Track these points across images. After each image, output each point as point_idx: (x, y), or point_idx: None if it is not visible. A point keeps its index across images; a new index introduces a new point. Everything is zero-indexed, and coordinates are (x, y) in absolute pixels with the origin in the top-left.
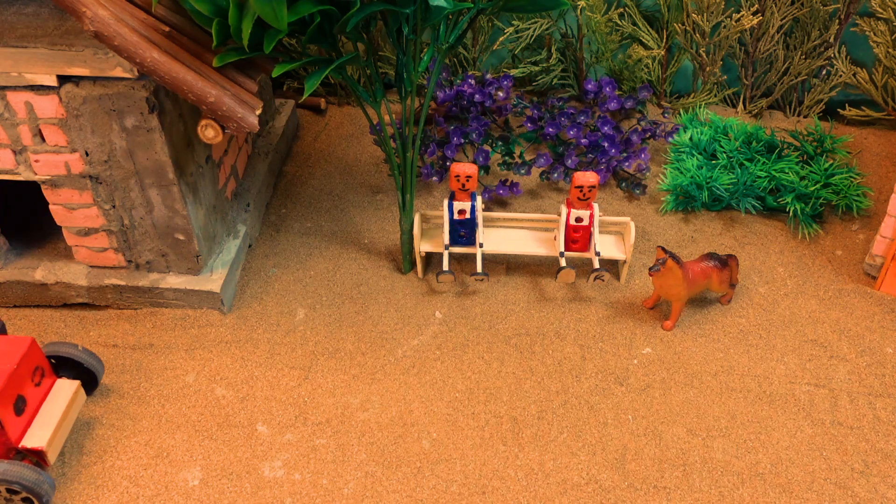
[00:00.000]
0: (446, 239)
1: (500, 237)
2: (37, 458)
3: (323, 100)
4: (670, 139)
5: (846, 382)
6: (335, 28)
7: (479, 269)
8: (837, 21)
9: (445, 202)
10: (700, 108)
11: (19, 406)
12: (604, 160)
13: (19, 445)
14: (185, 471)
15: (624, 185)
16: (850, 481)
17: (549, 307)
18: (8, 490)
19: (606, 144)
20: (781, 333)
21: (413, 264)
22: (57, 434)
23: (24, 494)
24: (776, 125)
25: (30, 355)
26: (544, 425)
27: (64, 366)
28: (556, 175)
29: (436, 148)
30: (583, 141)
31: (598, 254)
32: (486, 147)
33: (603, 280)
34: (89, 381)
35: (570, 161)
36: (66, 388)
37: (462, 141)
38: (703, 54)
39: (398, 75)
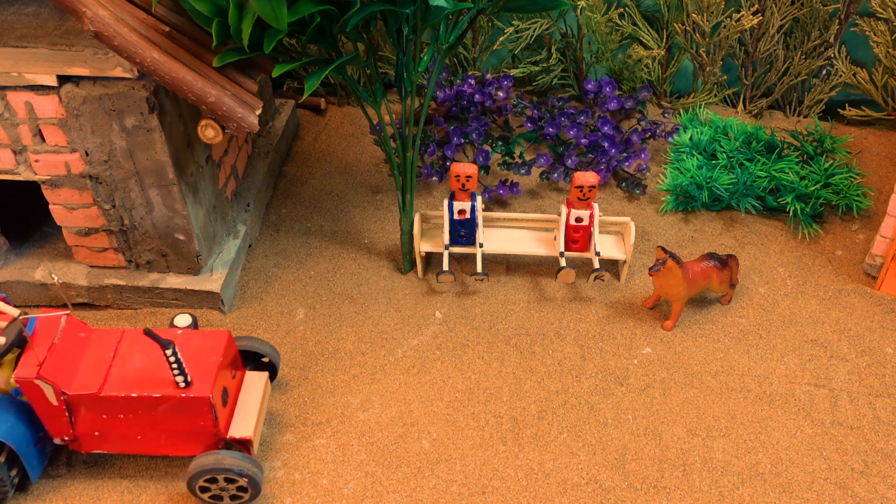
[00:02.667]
0: (446, 239)
1: (500, 237)
2: (241, 447)
3: (323, 100)
4: (670, 139)
5: (846, 382)
6: (335, 28)
7: (479, 269)
8: (837, 21)
9: (445, 202)
10: (700, 108)
11: (224, 398)
12: (604, 160)
13: (227, 436)
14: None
15: (624, 185)
16: (850, 481)
17: (549, 307)
18: (225, 479)
19: (606, 144)
20: (781, 333)
21: (413, 264)
22: (258, 424)
23: (240, 482)
24: (776, 125)
25: (229, 348)
26: (544, 425)
27: (246, 358)
28: (556, 175)
29: (436, 148)
30: (583, 141)
31: (598, 254)
32: (486, 147)
33: (603, 280)
34: (270, 372)
35: (570, 161)
36: (256, 380)
37: (462, 141)
38: (703, 54)
39: (398, 75)
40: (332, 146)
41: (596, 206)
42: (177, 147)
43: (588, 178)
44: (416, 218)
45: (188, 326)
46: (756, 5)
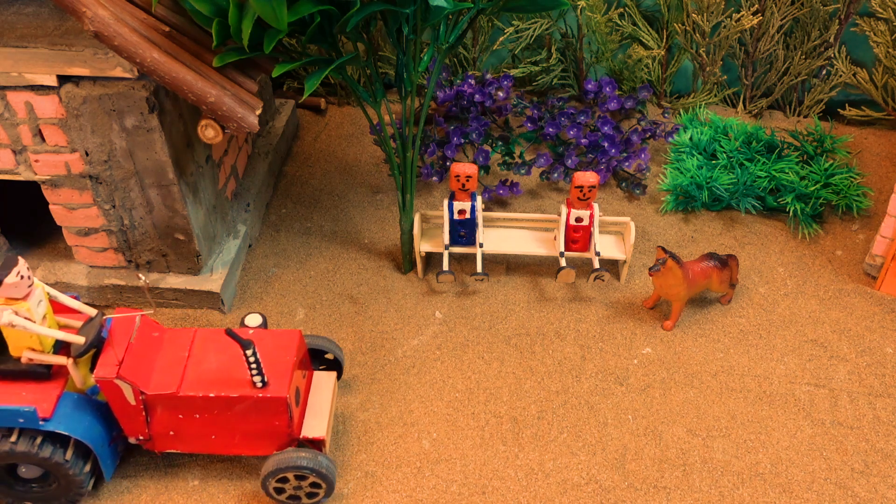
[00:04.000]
0: (446, 239)
1: (500, 237)
2: (313, 447)
3: (323, 100)
4: (670, 139)
5: (846, 382)
6: (335, 28)
7: (479, 269)
8: (837, 21)
9: (445, 202)
10: (700, 108)
11: (297, 398)
12: (604, 160)
13: (301, 436)
14: (187, 470)
15: (624, 185)
16: (850, 481)
17: (549, 307)
18: (296, 476)
19: (606, 144)
20: (781, 333)
21: (413, 264)
22: (329, 424)
23: (312, 479)
24: (776, 125)
25: (300, 348)
26: (544, 425)
27: (312, 357)
28: (556, 175)
29: (436, 148)
30: (583, 141)
31: (598, 254)
32: (486, 147)
33: (603, 280)
34: (337, 372)
35: (570, 161)
36: (325, 379)
37: (462, 141)
38: (703, 54)
39: (398, 75)
40: (332, 146)
41: (596, 206)
42: (177, 147)
43: (588, 178)
44: (416, 218)
45: (259, 326)
46: (756, 5)
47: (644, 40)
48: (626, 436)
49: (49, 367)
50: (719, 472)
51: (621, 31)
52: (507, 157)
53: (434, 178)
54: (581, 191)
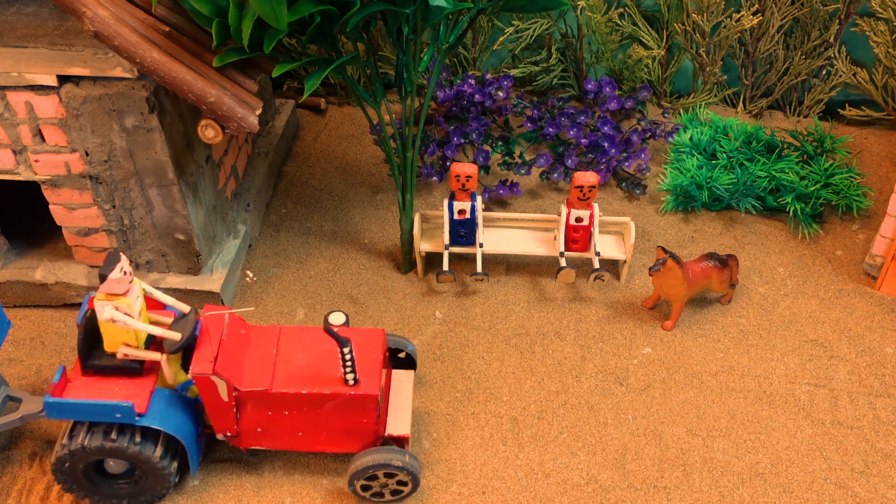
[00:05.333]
0: (446, 239)
1: (500, 237)
2: (396, 444)
3: (323, 100)
4: (670, 139)
5: (846, 382)
6: (335, 28)
7: (479, 269)
8: (837, 21)
9: (445, 202)
10: (700, 108)
11: (381, 395)
12: (604, 160)
13: (385, 433)
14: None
15: (624, 185)
16: (850, 481)
17: (549, 307)
18: (385, 475)
19: (606, 144)
20: (781, 333)
21: (413, 264)
22: (411, 421)
23: (399, 477)
24: (776, 125)
25: (384, 346)
26: (544, 425)
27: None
28: (556, 175)
29: (436, 148)
30: (583, 141)
31: (598, 254)
32: (486, 147)
33: (603, 280)
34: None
35: (570, 161)
36: (403, 378)
37: (462, 141)
38: (703, 54)
39: (398, 75)
40: (332, 146)
41: (596, 206)
42: (177, 147)
43: (588, 178)
44: (416, 218)
45: (342, 325)
46: (756, 5)
47: (644, 40)
48: (626, 436)
49: (142, 362)
50: (719, 472)
51: (621, 31)
52: (507, 157)
53: (434, 178)
54: (581, 191)
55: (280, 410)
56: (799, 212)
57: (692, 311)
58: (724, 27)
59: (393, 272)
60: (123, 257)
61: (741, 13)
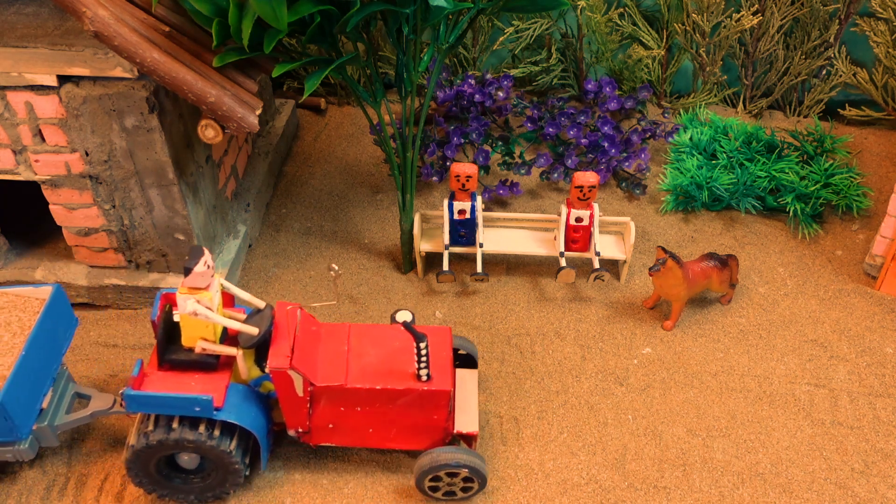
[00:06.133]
0: (446, 239)
1: (500, 237)
2: (464, 442)
3: (323, 100)
4: (670, 139)
5: (846, 382)
6: (335, 28)
7: (479, 269)
8: (837, 21)
9: (445, 202)
10: (700, 108)
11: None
12: (604, 160)
13: (455, 431)
14: None
15: (624, 185)
16: (850, 481)
17: (549, 307)
18: (448, 474)
19: (606, 144)
20: (781, 333)
21: (413, 264)
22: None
23: (464, 474)
24: (776, 125)
25: (451, 344)
26: (544, 425)
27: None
28: (556, 175)
29: (436, 148)
30: (583, 141)
31: (598, 254)
32: (486, 147)
33: (603, 280)
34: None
35: (570, 161)
36: (467, 376)
37: (462, 141)
38: (703, 54)
39: (398, 75)
40: (332, 146)
41: (596, 206)
42: (177, 147)
43: (588, 178)
44: (416, 218)
45: (405, 322)
46: (756, 5)
47: (644, 40)
48: (626, 436)
49: (217, 357)
50: (719, 472)
51: (621, 31)
52: (507, 157)
53: (434, 178)
54: (581, 191)
55: (353, 406)
56: (799, 212)
57: (692, 311)
58: (724, 27)
59: (393, 272)
60: (206, 251)
61: (741, 13)
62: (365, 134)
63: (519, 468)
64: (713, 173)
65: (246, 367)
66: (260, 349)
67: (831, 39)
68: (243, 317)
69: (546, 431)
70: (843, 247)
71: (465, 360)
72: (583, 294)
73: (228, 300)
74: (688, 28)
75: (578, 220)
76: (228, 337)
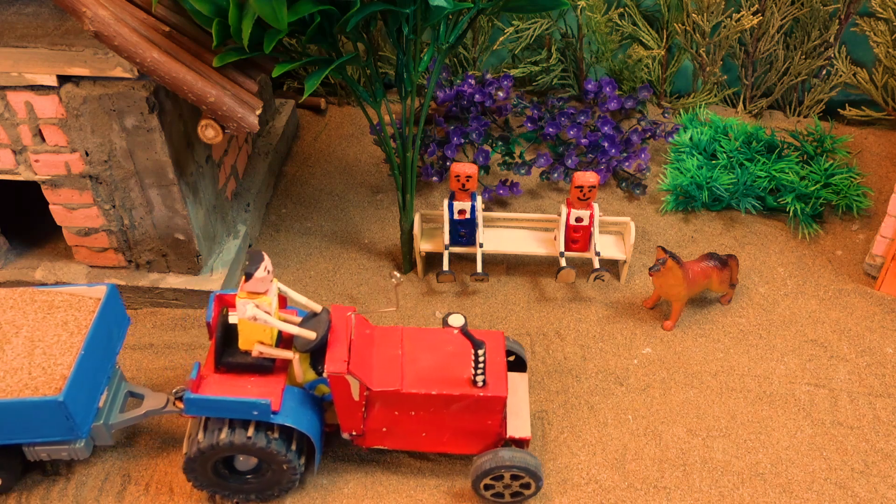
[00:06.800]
0: (446, 239)
1: (500, 237)
2: (517, 446)
3: (323, 100)
4: (670, 139)
5: (846, 382)
6: (335, 28)
7: (479, 269)
8: (837, 21)
9: (445, 202)
10: (700, 108)
11: None
12: (604, 160)
13: (507, 435)
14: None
15: (624, 185)
16: (850, 481)
17: (549, 307)
18: (512, 476)
19: (606, 144)
20: (781, 333)
21: (413, 264)
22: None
23: (525, 480)
24: (776, 125)
25: (505, 348)
26: (544, 425)
27: None
28: (556, 175)
29: (436, 148)
30: (583, 141)
31: (598, 254)
32: (486, 147)
33: (603, 280)
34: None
35: (570, 161)
36: (518, 380)
37: (462, 141)
38: (703, 54)
39: (398, 75)
40: (332, 146)
41: (596, 206)
42: (177, 147)
43: (588, 178)
44: (416, 218)
45: (461, 326)
46: (756, 5)
47: (644, 40)
48: (626, 436)
49: (273, 361)
50: (719, 472)
51: (621, 31)
52: (507, 157)
53: (434, 178)
54: (581, 191)
55: (407, 410)
56: (799, 212)
57: (692, 311)
58: (724, 27)
59: (393, 272)
60: (266, 255)
61: (741, 13)
62: (365, 134)
63: None
64: (713, 173)
65: (301, 370)
66: (315, 353)
67: (831, 39)
68: (298, 320)
69: (546, 431)
70: (843, 247)
71: (515, 362)
72: (583, 294)
73: (281, 301)
74: (688, 28)
75: (578, 220)
76: (283, 340)
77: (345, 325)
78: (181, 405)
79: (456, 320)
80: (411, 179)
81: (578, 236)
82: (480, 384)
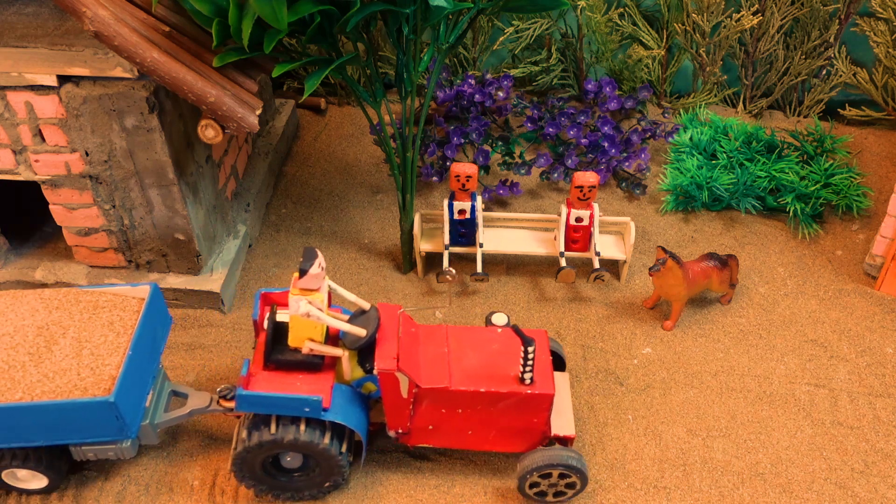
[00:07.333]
0: (446, 239)
1: (500, 237)
2: (560, 445)
3: (323, 100)
4: (670, 139)
5: (846, 382)
6: (335, 28)
7: (479, 269)
8: (837, 21)
9: (445, 202)
10: (700, 108)
11: None
12: (604, 160)
13: (552, 434)
14: (187, 471)
15: (624, 185)
16: (850, 481)
17: (549, 307)
18: (559, 475)
19: (606, 144)
20: (781, 333)
21: (413, 264)
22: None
23: (572, 479)
24: (776, 125)
25: (549, 347)
26: None
27: None
28: (556, 175)
29: (436, 148)
30: (583, 141)
31: (598, 254)
32: (486, 147)
33: (603, 280)
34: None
35: (570, 161)
36: (560, 379)
37: (462, 141)
38: (703, 54)
39: (398, 75)
40: (332, 146)
41: (596, 206)
42: (177, 147)
43: (588, 178)
44: (416, 218)
45: (505, 325)
46: (756, 5)
47: (644, 40)
48: (626, 436)
49: (322, 357)
50: (719, 472)
51: (621, 31)
52: (507, 157)
53: (434, 178)
54: (581, 191)
55: (454, 408)
56: (799, 212)
57: (692, 311)
58: (724, 27)
59: (393, 272)
60: (319, 252)
61: (741, 13)
62: (365, 134)
63: None
64: (713, 173)
65: (349, 367)
66: (363, 350)
67: (831, 39)
68: (345, 317)
69: None
70: (843, 247)
71: (553, 361)
72: (583, 294)
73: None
74: (688, 28)
75: (578, 220)
76: (330, 337)
77: (393, 323)
78: (225, 404)
79: (499, 319)
80: (411, 179)
81: (578, 236)
82: (528, 382)
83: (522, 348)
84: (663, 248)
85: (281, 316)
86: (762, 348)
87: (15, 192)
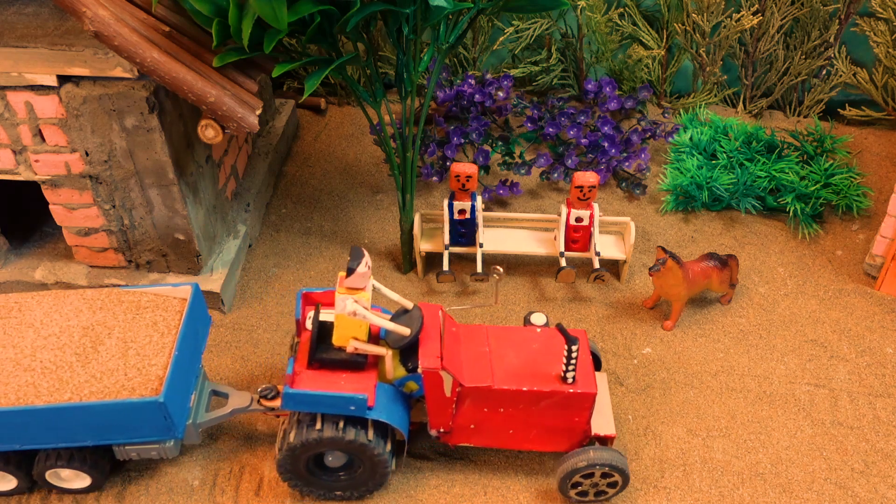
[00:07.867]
0: (446, 239)
1: (500, 237)
2: (601, 444)
3: (323, 100)
4: (670, 139)
5: (846, 382)
6: (335, 28)
7: (479, 269)
8: (837, 21)
9: (445, 202)
10: (700, 108)
11: None
12: (604, 160)
13: (593, 433)
14: (186, 471)
15: (624, 185)
16: (850, 481)
17: (549, 307)
18: (602, 474)
19: (606, 144)
20: (781, 333)
21: (413, 264)
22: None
23: (614, 478)
24: (776, 125)
25: (588, 346)
26: None
27: None
28: (556, 175)
29: (436, 148)
30: (583, 141)
31: (598, 254)
32: (486, 147)
33: (603, 280)
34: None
35: (570, 161)
36: (598, 379)
37: (462, 141)
38: (703, 54)
39: (398, 75)
40: (332, 146)
41: (596, 206)
42: (177, 147)
43: (588, 178)
44: (416, 218)
45: (544, 325)
46: (756, 5)
47: (644, 40)
48: (626, 436)
49: (365, 357)
50: (719, 472)
51: (621, 31)
52: (507, 157)
53: (434, 178)
54: (581, 191)
55: (496, 407)
56: (799, 212)
57: (692, 311)
58: (724, 27)
59: (393, 272)
60: (366, 252)
61: (741, 13)
62: (365, 134)
63: (519, 468)
64: (713, 173)
65: (392, 366)
66: (405, 349)
67: (831, 39)
68: (386, 316)
69: None
70: (843, 247)
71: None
72: (583, 294)
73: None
74: (688, 28)
75: (578, 220)
76: (371, 336)
77: (435, 322)
78: (266, 403)
79: (538, 318)
80: (411, 179)
81: (578, 236)
82: (570, 381)
83: (566, 347)
84: (663, 248)
85: (325, 315)
86: (762, 348)
87: (15, 192)
